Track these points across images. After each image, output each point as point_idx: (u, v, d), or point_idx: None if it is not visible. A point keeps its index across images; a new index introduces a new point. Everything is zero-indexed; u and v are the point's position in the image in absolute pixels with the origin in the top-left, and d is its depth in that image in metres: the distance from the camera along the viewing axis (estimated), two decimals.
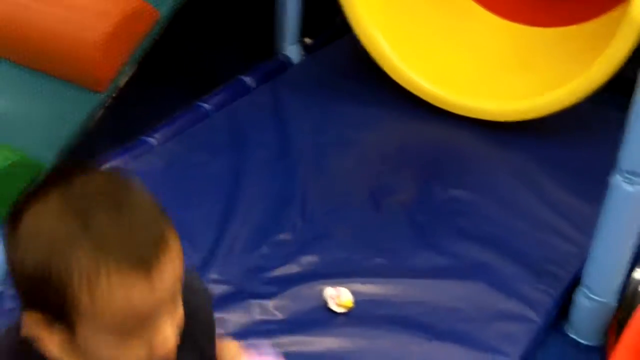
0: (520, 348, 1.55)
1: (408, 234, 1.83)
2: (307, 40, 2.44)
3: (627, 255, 1.48)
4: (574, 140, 2.15)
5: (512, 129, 2.11)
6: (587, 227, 1.64)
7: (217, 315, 1.58)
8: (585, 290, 1.55)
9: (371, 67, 2.21)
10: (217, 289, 1.62)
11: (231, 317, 1.56)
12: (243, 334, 1.54)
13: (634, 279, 1.49)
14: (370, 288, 1.67)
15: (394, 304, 1.64)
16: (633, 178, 1.43)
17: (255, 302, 1.61)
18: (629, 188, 1.43)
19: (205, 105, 2.14)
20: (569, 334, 1.61)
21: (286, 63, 2.37)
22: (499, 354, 1.54)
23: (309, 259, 1.72)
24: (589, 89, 1.99)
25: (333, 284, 1.65)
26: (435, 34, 2.30)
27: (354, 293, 1.63)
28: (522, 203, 1.94)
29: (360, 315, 1.61)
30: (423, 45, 2.27)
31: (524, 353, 1.55)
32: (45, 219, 0.76)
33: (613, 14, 2.11)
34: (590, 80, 1.98)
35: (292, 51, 2.38)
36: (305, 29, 2.40)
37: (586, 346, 1.57)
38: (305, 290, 1.64)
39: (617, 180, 1.45)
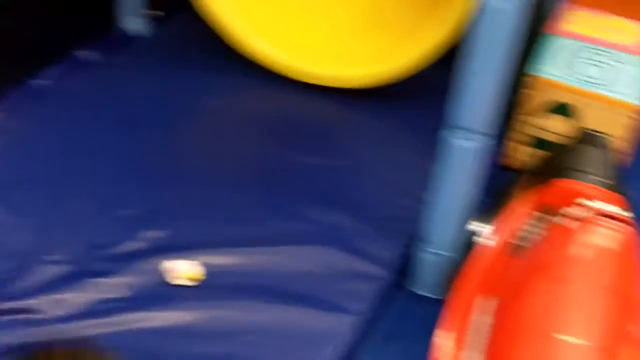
0: (366, 305, 1.58)
1: (260, 202, 1.82)
2: (156, 12, 2.38)
3: (459, 208, 1.53)
4: (427, 103, 2.19)
5: (366, 96, 2.14)
6: None
7: (57, 296, 1.53)
8: (423, 244, 1.60)
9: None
10: (58, 269, 1.57)
11: (72, 298, 1.52)
12: (86, 314, 1.51)
13: (468, 231, 1.53)
14: (220, 259, 1.66)
15: (244, 273, 1.64)
16: (461, 133, 1.47)
17: (98, 281, 1.56)
18: (457, 142, 1.47)
19: (37, 82, 2.06)
20: (413, 288, 1.65)
21: (127, 36, 2.31)
22: (345, 312, 1.56)
23: (155, 234, 1.69)
24: (431, 52, 2.02)
25: (181, 257, 1.62)
26: (281, 3, 2.29)
27: (204, 265, 1.61)
28: (374, 167, 1.98)
29: (209, 287, 1.59)
30: (267, 14, 2.25)
31: (370, 310, 1.59)
32: None
33: None
34: (433, 42, 2.02)
35: (134, 23, 2.32)
36: (156, 1, 2.33)
37: (429, 299, 1.62)
38: (151, 265, 1.61)
39: (446, 135, 1.49)
